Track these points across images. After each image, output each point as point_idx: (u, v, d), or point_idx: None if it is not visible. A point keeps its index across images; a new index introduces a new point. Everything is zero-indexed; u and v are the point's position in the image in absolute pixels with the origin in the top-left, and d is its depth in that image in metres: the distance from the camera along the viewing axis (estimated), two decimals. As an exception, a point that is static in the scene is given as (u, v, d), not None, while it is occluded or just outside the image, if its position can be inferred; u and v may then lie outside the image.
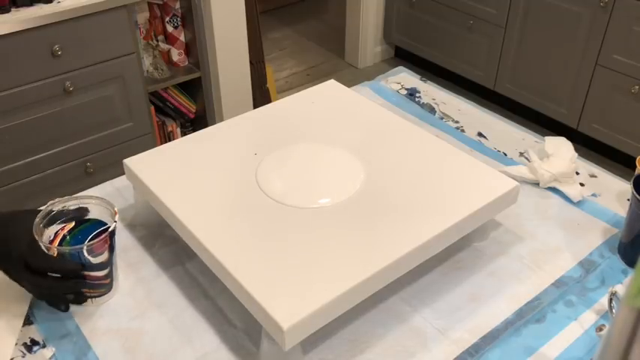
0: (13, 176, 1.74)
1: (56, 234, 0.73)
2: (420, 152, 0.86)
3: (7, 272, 0.71)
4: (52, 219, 0.73)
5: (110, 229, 0.71)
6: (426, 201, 0.77)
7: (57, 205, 0.74)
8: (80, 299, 0.73)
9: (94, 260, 0.70)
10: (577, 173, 0.97)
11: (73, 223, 0.75)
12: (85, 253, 0.69)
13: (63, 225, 0.74)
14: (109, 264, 0.72)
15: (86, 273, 0.70)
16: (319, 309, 0.63)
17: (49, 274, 0.69)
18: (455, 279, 0.79)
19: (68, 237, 0.73)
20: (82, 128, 1.80)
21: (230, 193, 0.78)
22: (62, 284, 0.70)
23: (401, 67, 1.27)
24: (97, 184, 0.95)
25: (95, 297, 0.74)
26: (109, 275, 0.74)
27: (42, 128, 1.71)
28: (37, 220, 0.70)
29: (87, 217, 0.75)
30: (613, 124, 2.29)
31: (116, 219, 0.72)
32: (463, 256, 0.82)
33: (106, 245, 0.71)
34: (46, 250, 0.69)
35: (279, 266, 0.68)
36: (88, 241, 0.71)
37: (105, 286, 0.74)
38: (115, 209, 0.73)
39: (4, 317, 0.73)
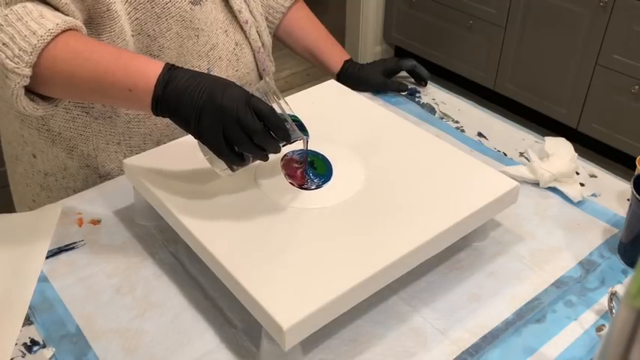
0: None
1: None
2: (420, 152, 0.86)
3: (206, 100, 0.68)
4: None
5: (308, 138, 0.77)
6: (426, 201, 0.77)
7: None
8: (245, 162, 0.73)
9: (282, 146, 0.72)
10: (577, 173, 0.97)
11: None
12: (291, 132, 0.71)
13: None
14: (265, 159, 0.74)
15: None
16: (319, 309, 0.63)
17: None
18: (455, 279, 0.79)
19: None
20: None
21: (230, 194, 0.78)
22: (269, 136, 0.69)
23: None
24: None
25: (237, 167, 0.74)
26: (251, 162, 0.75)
27: None
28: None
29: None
30: (613, 124, 2.29)
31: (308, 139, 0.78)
32: (463, 256, 0.82)
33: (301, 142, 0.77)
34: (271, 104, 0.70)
35: (279, 266, 0.68)
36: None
37: (243, 166, 0.74)
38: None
39: (4, 317, 0.73)
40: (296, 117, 0.73)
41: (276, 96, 0.72)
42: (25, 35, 0.71)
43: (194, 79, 0.70)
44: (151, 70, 0.71)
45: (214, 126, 0.68)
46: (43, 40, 0.71)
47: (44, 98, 0.78)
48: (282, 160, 0.83)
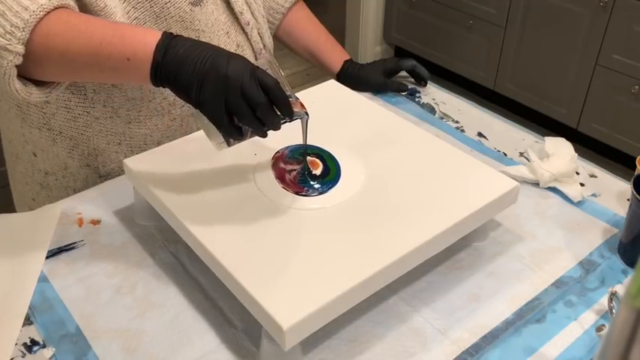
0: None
1: None
2: (420, 152, 0.86)
3: (210, 69, 0.67)
4: None
5: (308, 119, 0.76)
6: (426, 201, 0.77)
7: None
8: (243, 137, 0.72)
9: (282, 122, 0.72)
10: (577, 173, 0.97)
11: None
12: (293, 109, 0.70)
13: None
14: (264, 135, 0.73)
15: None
16: (319, 309, 0.63)
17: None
18: (455, 279, 0.79)
19: None
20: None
21: (230, 193, 0.78)
22: (272, 110, 0.68)
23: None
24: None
25: (234, 142, 0.73)
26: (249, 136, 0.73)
27: None
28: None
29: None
30: (613, 124, 2.29)
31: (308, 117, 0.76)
32: (463, 256, 0.82)
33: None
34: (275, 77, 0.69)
35: (279, 266, 0.68)
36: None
37: (240, 141, 0.73)
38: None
39: (4, 317, 0.73)
40: (296, 97, 0.73)
41: (280, 70, 0.71)
42: (17, 11, 0.68)
43: (196, 46, 0.68)
44: (150, 38, 0.69)
45: (217, 95, 0.67)
46: (36, 15, 0.69)
47: (38, 85, 0.76)
48: (272, 158, 0.82)
